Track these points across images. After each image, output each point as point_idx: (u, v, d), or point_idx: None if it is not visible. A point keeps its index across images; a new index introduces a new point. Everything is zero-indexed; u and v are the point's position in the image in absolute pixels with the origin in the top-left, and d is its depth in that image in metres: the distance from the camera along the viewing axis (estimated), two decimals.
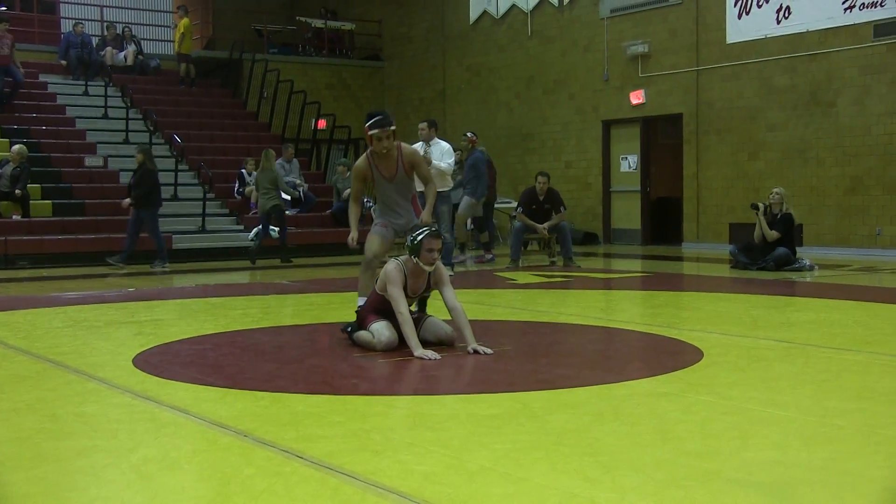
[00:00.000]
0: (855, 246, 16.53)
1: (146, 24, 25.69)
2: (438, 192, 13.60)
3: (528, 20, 22.00)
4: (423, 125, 13.30)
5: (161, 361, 6.49)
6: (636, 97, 19.87)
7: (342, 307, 9.10)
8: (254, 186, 17.00)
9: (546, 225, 14.55)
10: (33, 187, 16.91)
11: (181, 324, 8.64)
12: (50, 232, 16.25)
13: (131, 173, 15.82)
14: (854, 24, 16.44)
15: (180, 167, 18.90)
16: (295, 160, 19.35)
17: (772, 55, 17.63)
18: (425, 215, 7.60)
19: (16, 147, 16.55)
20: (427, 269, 6.69)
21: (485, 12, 23.07)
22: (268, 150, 17.15)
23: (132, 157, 19.16)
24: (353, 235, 7.69)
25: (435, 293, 6.97)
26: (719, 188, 18.65)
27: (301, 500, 3.52)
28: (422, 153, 12.91)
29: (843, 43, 16.64)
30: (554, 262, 14.87)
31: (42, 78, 21.50)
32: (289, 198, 18.39)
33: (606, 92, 20.53)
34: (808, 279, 12.56)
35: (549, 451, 4.11)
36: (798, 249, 14.11)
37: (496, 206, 19.58)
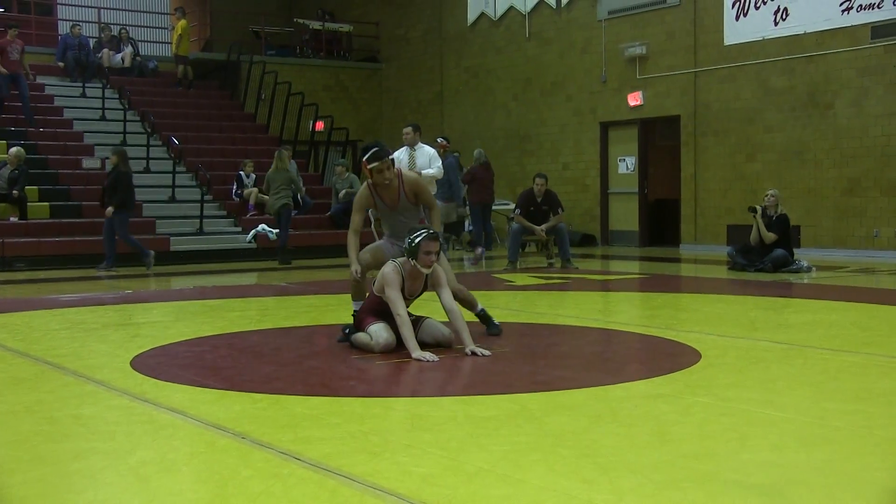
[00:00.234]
0: (852, 247, 16.54)
1: (143, 26, 25.66)
2: None
3: (526, 22, 22.02)
4: (408, 129, 13.31)
5: (159, 363, 6.48)
6: (634, 99, 19.89)
7: (340, 309, 9.10)
8: (265, 185, 16.98)
9: (544, 227, 14.55)
10: (30, 189, 16.89)
11: (179, 326, 8.64)
12: (47, 234, 16.24)
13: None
14: (852, 26, 16.46)
15: (178, 169, 18.91)
16: (293, 162, 19.33)
17: (769, 57, 17.64)
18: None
19: (13, 149, 16.53)
20: (425, 271, 6.70)
21: (482, 14, 23.08)
22: (281, 150, 17.32)
23: (130, 159, 19.19)
24: (355, 268, 7.21)
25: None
26: (717, 190, 18.66)
27: (299, 501, 3.52)
28: (406, 158, 13.13)
29: (840, 45, 16.66)
30: (552, 263, 14.87)
31: (39, 80, 21.48)
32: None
33: (604, 94, 20.54)
34: (805, 281, 12.57)
35: (547, 453, 4.11)
36: (796, 251, 14.14)
37: (494, 207, 19.61)
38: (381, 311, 6.76)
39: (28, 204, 16.60)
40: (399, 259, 6.81)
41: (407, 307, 6.75)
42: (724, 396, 5.24)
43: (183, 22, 22.77)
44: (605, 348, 7.42)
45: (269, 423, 4.73)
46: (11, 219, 16.26)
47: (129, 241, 15.05)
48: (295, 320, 9.04)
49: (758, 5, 17.70)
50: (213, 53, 25.03)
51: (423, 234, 6.64)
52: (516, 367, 6.27)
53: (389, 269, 6.72)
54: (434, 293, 6.92)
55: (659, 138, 20.42)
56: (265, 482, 3.74)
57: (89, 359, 6.78)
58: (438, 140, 15.63)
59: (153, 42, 25.77)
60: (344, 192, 18.75)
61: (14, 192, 16.17)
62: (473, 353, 6.48)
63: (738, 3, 18.03)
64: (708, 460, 3.98)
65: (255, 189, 18.75)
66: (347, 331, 7.07)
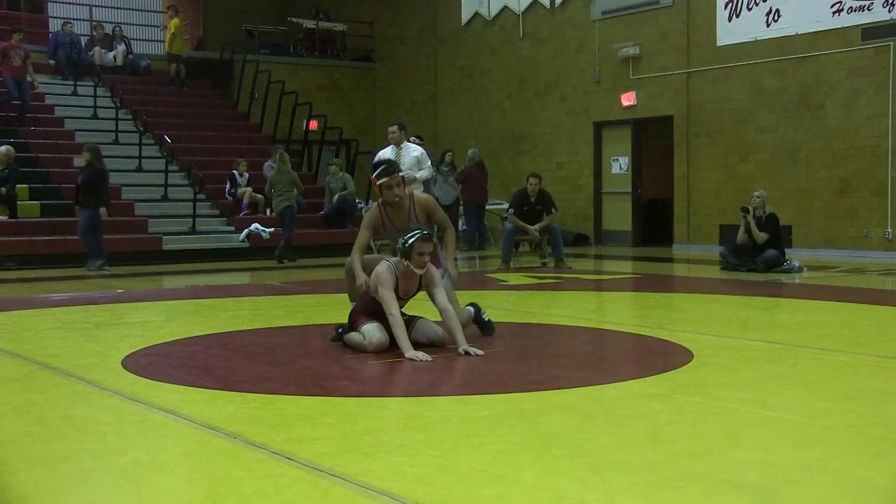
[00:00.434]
0: (843, 247, 16.57)
1: (136, 24, 25.62)
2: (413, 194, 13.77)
3: (520, 22, 22.02)
4: (394, 128, 13.25)
5: (150, 363, 6.47)
6: (627, 99, 19.90)
7: (333, 309, 9.10)
8: (268, 187, 17.01)
9: (537, 226, 14.55)
10: (21, 188, 16.84)
11: (171, 325, 8.63)
12: (38, 233, 16.19)
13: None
14: (842, 28, 16.49)
15: (170, 168, 18.88)
16: None
17: (761, 58, 17.67)
18: (450, 266, 7.33)
19: (3, 148, 16.44)
20: (418, 272, 6.70)
21: (477, 14, 23.07)
22: (282, 152, 17.45)
23: (122, 157, 19.24)
24: (364, 278, 6.98)
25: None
26: (710, 190, 18.69)
27: (291, 502, 3.52)
28: (392, 156, 13.11)
29: (831, 46, 16.69)
30: (545, 263, 14.88)
31: (29, 78, 21.40)
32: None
33: (598, 94, 20.55)
34: (797, 281, 12.60)
35: (540, 453, 4.11)
36: (787, 251, 14.17)
37: (488, 207, 19.64)
38: (375, 310, 6.75)
39: (18, 202, 16.56)
40: (393, 259, 6.81)
41: (401, 307, 6.74)
42: (716, 396, 5.25)
43: (176, 20, 22.75)
44: (598, 348, 7.43)
45: (261, 424, 4.72)
46: (1, 217, 16.21)
47: (98, 238, 14.84)
48: (288, 320, 9.04)
49: (750, 7, 17.73)
50: (206, 52, 24.98)
51: (417, 235, 6.64)
52: (509, 367, 6.27)
53: (383, 269, 6.72)
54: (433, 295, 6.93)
55: (652, 138, 20.44)
56: (258, 482, 3.73)
57: (80, 358, 6.76)
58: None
59: (146, 40, 25.73)
60: (338, 195, 18.75)
61: (2, 189, 16.10)
62: (467, 353, 6.48)
63: (730, 5, 18.05)
64: (700, 459, 3.98)
65: (249, 188, 18.75)
66: (341, 330, 7.07)
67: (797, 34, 17.11)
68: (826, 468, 3.85)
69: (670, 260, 17.16)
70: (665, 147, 19.63)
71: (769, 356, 6.57)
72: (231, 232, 18.07)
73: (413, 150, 13.18)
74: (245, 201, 18.66)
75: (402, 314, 6.75)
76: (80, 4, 24.68)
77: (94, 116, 20.45)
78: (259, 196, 18.78)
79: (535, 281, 12.80)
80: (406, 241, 6.64)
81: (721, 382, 5.67)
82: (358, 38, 26.53)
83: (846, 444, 4.28)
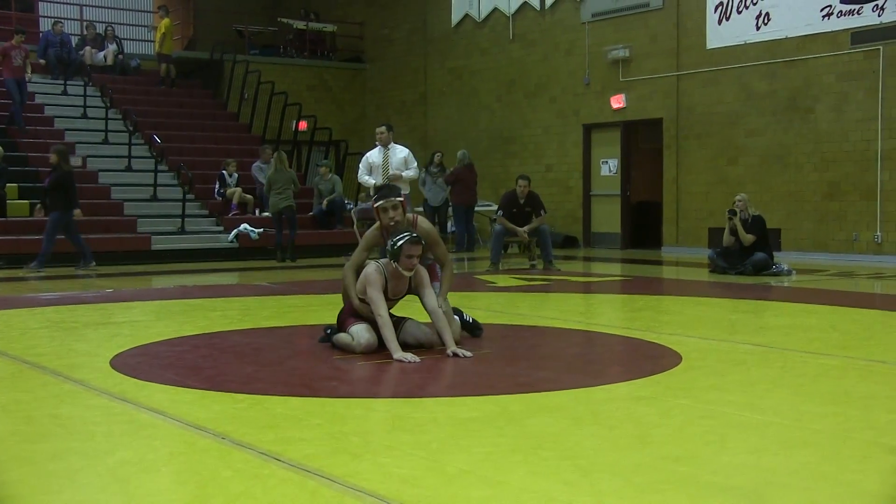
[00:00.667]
0: (832, 251, 16.62)
1: (126, 24, 25.57)
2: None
3: (510, 24, 22.03)
4: (382, 129, 13.46)
5: (139, 363, 6.46)
6: (617, 101, 19.93)
7: (322, 309, 9.09)
8: (266, 186, 17.07)
9: (526, 228, 14.56)
10: (10, 187, 16.81)
11: (159, 325, 8.61)
12: (27, 232, 16.13)
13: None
14: (832, 32, 16.54)
15: (160, 168, 18.85)
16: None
17: (751, 61, 17.71)
18: (440, 300, 7.00)
19: None
20: (406, 274, 6.70)
21: (467, 15, 23.07)
22: (280, 151, 17.63)
23: (111, 157, 19.21)
24: (359, 304, 6.84)
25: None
26: (699, 193, 18.72)
27: (279, 502, 3.52)
28: (380, 158, 13.28)
29: (821, 50, 16.73)
30: (534, 265, 14.89)
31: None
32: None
33: (587, 96, 20.57)
34: (785, 284, 12.62)
35: (528, 455, 4.11)
36: (776, 254, 14.20)
37: (477, 209, 19.64)
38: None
39: (7, 202, 16.51)
40: (382, 260, 6.81)
41: (390, 309, 6.74)
42: (704, 399, 5.26)
43: (166, 20, 22.72)
44: (586, 350, 7.43)
45: (249, 424, 4.72)
46: None
47: (48, 243, 14.58)
48: (277, 320, 9.02)
49: (740, 10, 17.77)
50: (196, 52, 24.94)
51: (406, 238, 6.63)
52: (498, 369, 6.27)
53: (372, 270, 6.71)
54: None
55: (641, 141, 20.47)
56: (245, 483, 3.73)
57: (68, 358, 6.75)
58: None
59: (136, 40, 25.69)
60: (326, 199, 18.75)
61: None
62: (455, 355, 6.48)
63: (720, 8, 18.09)
64: (688, 463, 3.99)
65: (238, 189, 18.74)
66: (329, 331, 7.06)
67: (787, 38, 17.15)
68: (814, 472, 3.86)
69: (659, 262, 17.18)
70: (654, 150, 19.66)
71: (757, 359, 6.58)
72: (220, 232, 18.06)
73: (400, 151, 13.44)
74: (234, 201, 18.64)
75: (391, 315, 6.75)
76: (70, 4, 24.64)
77: (84, 116, 20.41)
78: (248, 196, 18.78)
79: (524, 283, 12.81)
80: (395, 244, 6.63)
81: (709, 385, 5.68)
82: (348, 38, 26.52)
83: (834, 447, 4.29)
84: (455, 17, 23.34)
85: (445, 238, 19.46)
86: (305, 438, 4.40)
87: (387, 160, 13.28)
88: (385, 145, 13.44)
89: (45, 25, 23.74)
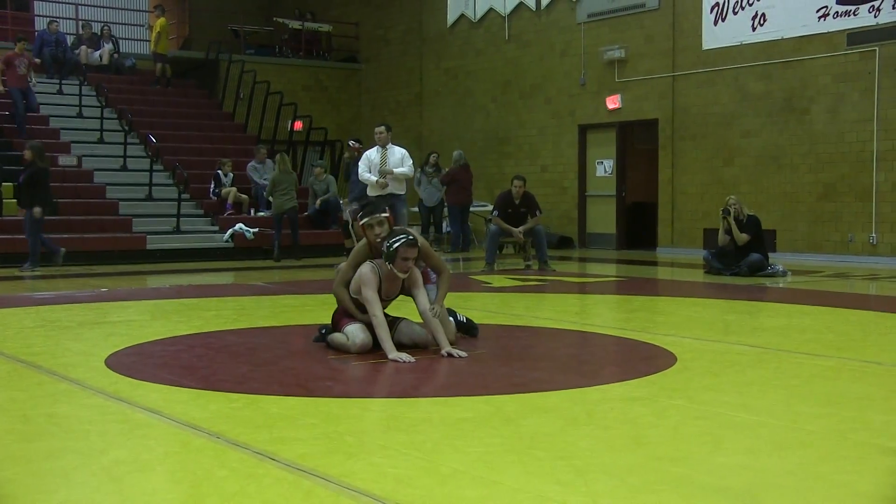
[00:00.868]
0: (827, 252, 16.64)
1: (121, 24, 25.54)
2: (397, 196, 14.03)
3: (506, 24, 22.03)
4: (381, 129, 13.95)
5: (134, 362, 6.46)
6: (612, 102, 19.93)
7: (317, 309, 9.09)
8: (270, 186, 17.15)
9: (521, 228, 14.55)
10: (5, 186, 16.78)
11: (154, 325, 8.61)
12: (22, 231, 16.08)
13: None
14: (828, 32, 16.55)
15: (155, 167, 18.83)
16: (269, 161, 19.30)
17: (747, 62, 17.73)
18: (437, 307, 6.87)
19: None
20: (401, 276, 6.69)
21: (462, 15, 23.07)
22: (283, 153, 17.89)
23: (107, 156, 19.19)
24: (361, 316, 6.80)
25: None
26: (694, 193, 18.73)
27: (274, 502, 3.51)
28: (378, 157, 13.65)
29: (817, 51, 16.75)
30: (529, 265, 14.89)
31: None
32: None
33: (583, 97, 20.58)
34: (780, 285, 12.63)
35: (523, 455, 4.11)
36: (771, 255, 14.21)
37: (472, 209, 19.64)
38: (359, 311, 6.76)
39: (3, 200, 16.48)
40: (376, 260, 6.80)
41: (383, 309, 6.74)
42: (699, 400, 5.27)
43: (162, 20, 22.70)
44: (581, 351, 7.44)
45: (244, 424, 4.71)
46: None
47: (34, 240, 14.52)
48: (272, 320, 9.02)
49: (736, 11, 17.79)
50: (191, 52, 24.94)
51: (402, 240, 6.60)
52: (492, 369, 6.27)
53: (367, 270, 6.70)
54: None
55: (637, 142, 20.48)
56: (240, 482, 3.73)
57: (63, 357, 6.75)
58: (350, 143, 15.82)
59: (131, 39, 25.67)
60: (320, 199, 18.75)
61: None
62: (450, 355, 6.48)
63: (716, 8, 18.10)
64: (682, 463, 3.99)
65: (233, 188, 18.73)
66: (324, 331, 7.06)
67: (783, 38, 17.17)
68: (808, 473, 3.87)
69: (654, 263, 17.18)
70: (650, 150, 19.67)
71: (752, 360, 6.59)
72: (215, 232, 18.05)
73: (398, 152, 13.80)
74: (229, 201, 18.63)
75: (386, 315, 6.75)
76: (65, 3, 24.61)
77: (80, 115, 20.39)
78: (244, 196, 18.78)
79: (519, 283, 12.81)
80: (391, 245, 6.61)
81: (704, 386, 5.69)
82: (343, 38, 26.51)
83: (829, 448, 4.29)
84: (451, 18, 23.34)
85: (441, 238, 19.52)
86: (300, 438, 4.40)
87: (384, 159, 13.70)
88: (383, 145, 13.95)
89: (40, 24, 23.70)
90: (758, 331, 8.39)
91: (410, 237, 6.66)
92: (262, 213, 18.53)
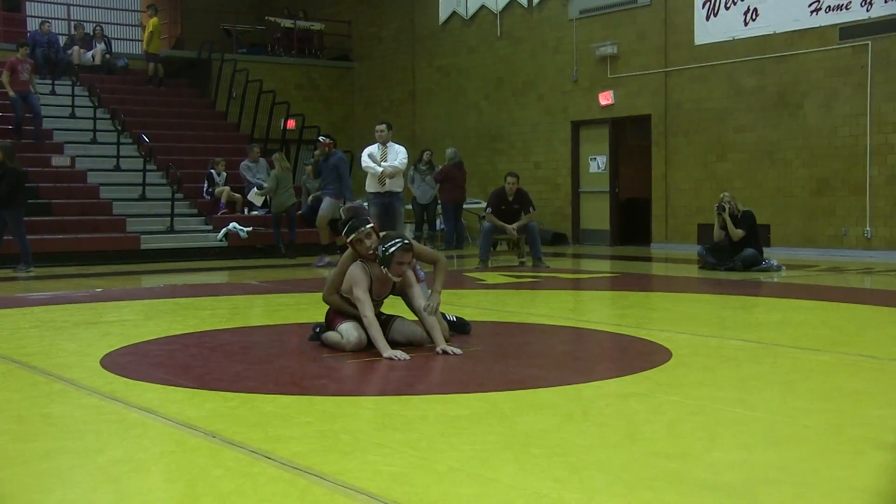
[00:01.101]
0: (821, 246, 16.66)
1: (114, 24, 25.51)
2: (395, 193, 14.13)
3: (498, 21, 22.04)
4: (382, 127, 14.27)
5: (129, 362, 6.45)
6: (605, 98, 19.94)
7: (311, 308, 9.07)
8: (272, 184, 17.15)
9: (515, 225, 14.55)
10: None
11: (149, 324, 8.60)
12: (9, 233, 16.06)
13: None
14: (820, 27, 16.57)
15: (148, 167, 18.80)
16: (262, 160, 19.28)
17: (739, 57, 17.74)
18: (435, 295, 6.87)
19: None
20: (394, 279, 6.69)
21: (454, 13, 23.08)
22: (281, 153, 18.17)
23: (100, 157, 19.17)
24: (368, 313, 6.62)
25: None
26: (688, 189, 18.75)
27: (269, 500, 3.51)
28: (379, 154, 13.94)
29: (809, 45, 16.77)
30: (523, 262, 14.89)
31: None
32: (257, 202, 18.57)
33: (575, 93, 20.59)
34: (775, 280, 12.65)
35: (518, 452, 4.11)
36: (765, 250, 14.22)
37: (465, 206, 19.65)
38: (352, 310, 6.75)
39: None
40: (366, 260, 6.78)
41: (376, 307, 6.73)
42: (694, 395, 5.27)
43: (154, 20, 22.68)
44: (576, 347, 7.44)
45: (239, 422, 4.71)
46: None
47: (23, 240, 14.43)
48: (266, 319, 9.02)
49: (728, 6, 17.80)
50: (184, 51, 24.91)
51: (398, 244, 6.59)
52: (487, 366, 6.27)
53: (357, 270, 6.68)
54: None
55: (630, 138, 20.49)
56: (236, 481, 3.72)
57: (59, 357, 6.74)
58: (321, 139, 15.84)
59: (123, 39, 25.63)
60: (312, 195, 18.74)
61: None
62: (445, 352, 6.48)
63: (708, 4, 18.11)
64: (678, 459, 3.99)
65: (227, 187, 18.72)
66: (318, 329, 7.05)
67: (775, 33, 17.18)
68: (804, 468, 3.87)
69: (648, 259, 17.20)
70: (643, 146, 19.69)
71: (747, 355, 6.59)
72: (209, 231, 18.04)
73: (398, 149, 14.20)
74: (223, 200, 18.62)
75: (381, 313, 6.75)
76: (57, 3, 24.56)
77: (72, 116, 20.37)
78: (237, 195, 18.75)
79: (513, 280, 12.81)
80: (386, 250, 6.58)
81: (699, 382, 5.69)
82: (336, 37, 26.50)
83: (825, 443, 4.30)
84: (443, 15, 23.34)
85: (434, 235, 19.53)
86: (295, 436, 4.40)
87: (384, 156, 14.13)
88: (384, 143, 14.19)
89: (32, 25, 23.66)
90: (753, 326, 8.40)
91: (405, 241, 6.65)
92: (256, 212, 18.51)
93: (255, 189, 18.46)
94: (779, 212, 17.18)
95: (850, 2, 16.10)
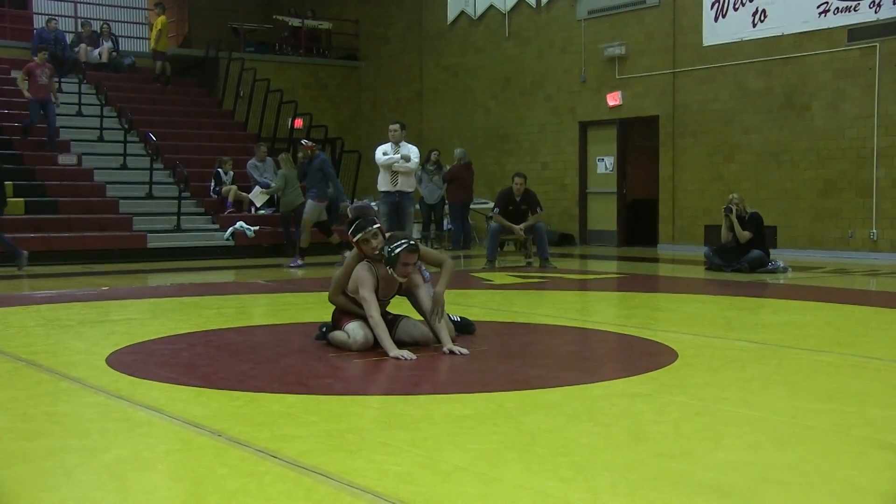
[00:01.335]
0: (828, 248, 16.64)
1: (121, 21, 25.55)
2: (406, 193, 14.27)
3: (506, 21, 22.04)
4: (396, 126, 14.49)
5: (135, 361, 6.45)
6: (613, 99, 19.94)
7: (317, 307, 9.07)
8: (281, 183, 17.15)
9: (522, 226, 14.55)
10: (6, 185, 16.75)
11: (155, 323, 8.60)
12: (22, 230, 16.12)
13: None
14: (828, 29, 16.56)
15: (155, 166, 18.83)
16: (269, 159, 19.30)
17: (747, 58, 17.73)
18: (437, 294, 6.83)
19: None
20: (400, 280, 6.68)
21: (462, 13, 23.08)
22: (286, 152, 18.02)
23: (107, 155, 19.20)
24: (375, 313, 6.61)
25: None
26: (695, 190, 18.73)
27: (275, 500, 3.51)
28: (392, 153, 14.19)
29: (817, 47, 16.75)
30: (530, 262, 14.89)
31: (14, 74, 21.32)
32: (258, 201, 18.58)
33: (583, 93, 20.58)
34: (781, 281, 12.63)
35: (524, 452, 4.11)
36: (772, 251, 14.21)
37: (473, 206, 19.65)
38: (359, 310, 6.74)
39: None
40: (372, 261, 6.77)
41: (382, 307, 6.73)
42: (699, 396, 5.26)
43: (162, 18, 22.71)
44: (582, 347, 7.43)
45: (245, 421, 4.71)
46: None
47: (2, 240, 14.47)
48: (272, 318, 9.02)
49: (736, 7, 17.78)
50: (191, 50, 24.97)
51: (405, 245, 6.57)
52: (493, 366, 6.26)
53: (363, 270, 6.68)
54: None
55: (637, 138, 20.49)
56: (241, 480, 3.73)
57: (64, 356, 6.75)
58: (303, 142, 15.93)
59: (131, 37, 25.68)
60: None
61: None
62: (451, 352, 6.47)
63: (716, 5, 18.10)
64: (683, 459, 3.99)
65: (234, 186, 18.74)
66: (325, 329, 7.05)
67: (783, 35, 17.17)
68: (809, 468, 3.86)
69: (655, 260, 17.18)
70: (650, 147, 19.68)
71: (753, 356, 6.59)
72: (216, 230, 18.06)
73: (410, 149, 14.60)
74: (230, 199, 18.64)
75: (387, 313, 6.74)
76: (64, 1, 24.61)
77: (79, 114, 20.41)
78: (244, 194, 18.77)
79: (520, 280, 12.81)
80: (392, 251, 6.58)
81: (705, 382, 5.68)
82: (343, 36, 26.52)
83: (829, 444, 4.29)
84: (451, 15, 23.35)
85: (441, 235, 19.54)
86: (301, 436, 4.40)
87: (404, 158, 14.50)
88: (397, 142, 14.53)
89: (39, 22, 23.69)
90: (759, 327, 8.39)
91: (411, 242, 6.63)
92: (262, 211, 18.53)
93: (257, 188, 18.47)
94: (785, 213, 17.16)
95: (859, 3, 16.08)
